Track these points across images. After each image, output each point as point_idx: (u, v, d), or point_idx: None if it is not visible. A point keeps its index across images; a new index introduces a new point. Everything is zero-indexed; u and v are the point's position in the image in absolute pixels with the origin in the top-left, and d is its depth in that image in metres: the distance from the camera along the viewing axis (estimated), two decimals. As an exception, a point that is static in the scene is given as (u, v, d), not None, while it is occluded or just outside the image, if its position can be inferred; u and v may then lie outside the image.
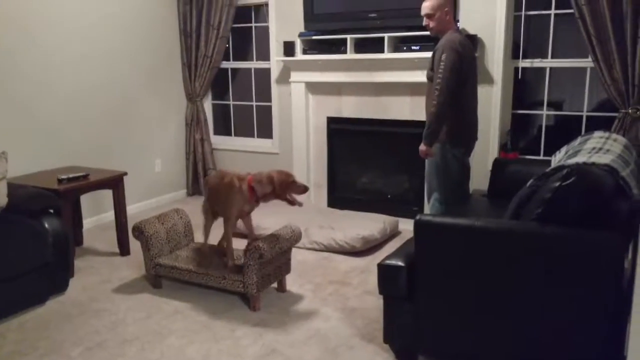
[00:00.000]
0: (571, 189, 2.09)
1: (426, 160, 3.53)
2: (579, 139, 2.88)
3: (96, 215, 4.70)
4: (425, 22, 3.37)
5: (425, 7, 3.32)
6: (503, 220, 2.34)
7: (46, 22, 4.20)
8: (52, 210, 3.38)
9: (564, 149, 2.94)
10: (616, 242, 2.02)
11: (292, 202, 3.14)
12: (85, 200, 4.29)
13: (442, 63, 3.19)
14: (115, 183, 3.93)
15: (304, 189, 3.13)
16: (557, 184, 2.11)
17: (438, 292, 2.39)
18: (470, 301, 2.32)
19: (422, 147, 3.36)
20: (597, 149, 2.52)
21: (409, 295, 2.43)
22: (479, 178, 4.08)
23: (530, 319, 2.20)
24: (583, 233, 2.08)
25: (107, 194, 4.14)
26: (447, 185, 3.45)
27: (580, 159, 2.38)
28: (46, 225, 3.24)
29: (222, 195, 3.20)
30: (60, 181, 3.64)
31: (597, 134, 2.80)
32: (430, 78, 3.37)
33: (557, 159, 2.88)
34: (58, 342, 2.82)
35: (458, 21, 4.17)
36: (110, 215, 4.29)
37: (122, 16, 4.83)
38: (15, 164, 3.73)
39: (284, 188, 3.09)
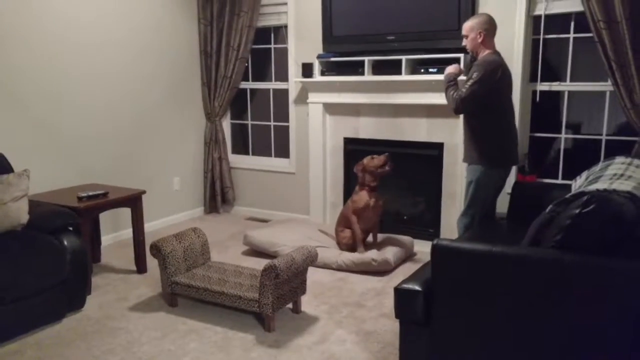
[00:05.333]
0: (591, 217, 2.06)
1: (465, 181, 3.65)
2: (600, 165, 2.85)
3: (114, 232, 4.74)
4: (463, 40, 3.57)
5: (463, 28, 3.55)
6: (521, 246, 2.31)
7: (67, 41, 4.29)
8: (71, 228, 3.42)
9: (584, 174, 2.91)
10: (637, 271, 1.99)
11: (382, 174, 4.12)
12: (104, 217, 4.34)
13: (472, 79, 3.34)
14: (134, 201, 3.97)
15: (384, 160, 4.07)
16: (577, 210, 2.08)
17: (455, 318, 2.36)
18: (488, 328, 2.29)
19: (448, 72, 3.58)
20: (619, 175, 2.49)
21: (425, 321, 2.41)
22: (498, 201, 4.04)
23: (549, 348, 2.16)
24: (603, 261, 2.05)
25: (125, 211, 4.19)
26: (479, 206, 3.54)
27: (601, 185, 2.35)
28: (65, 243, 3.28)
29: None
30: (80, 199, 3.68)
31: (619, 159, 2.77)
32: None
33: (578, 184, 2.85)
34: None
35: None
36: (128, 233, 4.32)
37: (143, 36, 4.93)
38: (36, 181, 3.80)
39: (371, 169, 4.10)
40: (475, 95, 3.31)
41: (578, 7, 3.84)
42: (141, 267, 4.04)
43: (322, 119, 4.99)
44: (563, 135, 4.29)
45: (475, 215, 3.54)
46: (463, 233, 3.53)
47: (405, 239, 4.42)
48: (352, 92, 4.72)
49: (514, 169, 4.24)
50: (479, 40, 3.43)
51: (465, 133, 3.59)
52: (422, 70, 4.36)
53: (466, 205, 3.59)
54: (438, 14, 4.16)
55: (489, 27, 3.45)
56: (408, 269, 4.01)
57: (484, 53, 3.45)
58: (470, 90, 3.31)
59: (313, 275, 3.90)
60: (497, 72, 3.33)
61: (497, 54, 3.48)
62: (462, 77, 3.63)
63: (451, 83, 3.50)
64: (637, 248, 2.05)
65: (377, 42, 4.52)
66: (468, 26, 3.49)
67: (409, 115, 4.58)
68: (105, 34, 4.57)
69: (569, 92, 4.20)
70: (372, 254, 4.01)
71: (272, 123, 5.65)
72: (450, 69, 3.60)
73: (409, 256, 4.38)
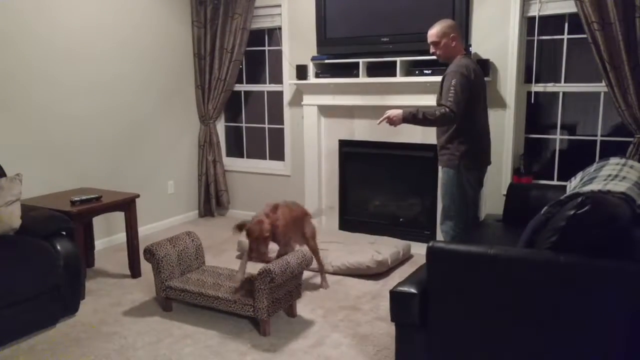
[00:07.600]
0: (586, 218, 2.05)
1: (439, 184, 3.55)
2: (595, 165, 2.85)
3: (108, 236, 4.72)
4: (432, 49, 3.42)
5: (431, 35, 3.38)
6: (516, 248, 2.30)
7: (60, 45, 4.27)
8: (64, 232, 3.39)
9: (579, 175, 2.91)
10: (632, 271, 1.98)
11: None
12: (97, 221, 4.31)
13: (452, 89, 3.20)
14: (127, 205, 3.94)
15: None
16: (572, 212, 2.08)
17: (451, 321, 2.35)
18: (484, 330, 2.28)
19: (396, 115, 3.31)
20: (613, 176, 2.48)
21: (421, 323, 2.40)
22: (493, 202, 4.04)
23: (546, 349, 2.16)
24: (597, 262, 2.05)
25: (119, 215, 4.16)
26: (461, 211, 3.46)
27: (595, 186, 2.35)
28: (58, 247, 3.25)
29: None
30: (73, 203, 3.66)
31: (613, 160, 2.77)
32: (439, 104, 3.37)
33: (573, 185, 2.85)
34: (67, 365, 2.81)
35: (470, 46, 4.18)
36: (122, 237, 4.30)
37: (136, 39, 4.91)
38: (29, 185, 3.77)
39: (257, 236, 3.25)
40: (461, 99, 3.20)
41: (572, 8, 3.84)
42: (135, 272, 4.01)
43: (317, 121, 4.98)
44: (558, 137, 4.29)
45: (459, 217, 3.46)
46: (452, 236, 3.49)
47: (401, 241, 4.41)
48: (347, 94, 4.72)
49: (506, 171, 4.25)
50: (453, 45, 3.34)
51: (438, 136, 3.50)
52: (417, 72, 4.35)
53: (446, 209, 3.51)
54: (432, 15, 4.13)
55: (457, 30, 3.37)
56: (404, 271, 4.00)
57: (455, 58, 3.34)
58: (456, 96, 3.18)
59: (308, 278, 3.89)
60: (470, 76, 3.25)
61: (467, 56, 3.42)
62: None
63: (418, 112, 3.25)
64: (631, 249, 2.04)
65: (372, 43, 4.51)
66: (438, 32, 3.32)
67: (404, 117, 4.57)
68: (98, 37, 4.54)
69: (564, 93, 4.20)
70: (368, 261, 3.97)
71: (266, 125, 5.63)
72: (395, 112, 3.35)
73: (405, 259, 4.36)
